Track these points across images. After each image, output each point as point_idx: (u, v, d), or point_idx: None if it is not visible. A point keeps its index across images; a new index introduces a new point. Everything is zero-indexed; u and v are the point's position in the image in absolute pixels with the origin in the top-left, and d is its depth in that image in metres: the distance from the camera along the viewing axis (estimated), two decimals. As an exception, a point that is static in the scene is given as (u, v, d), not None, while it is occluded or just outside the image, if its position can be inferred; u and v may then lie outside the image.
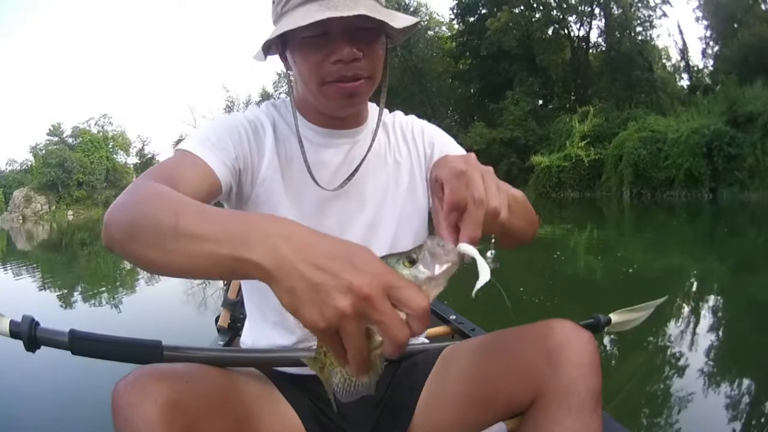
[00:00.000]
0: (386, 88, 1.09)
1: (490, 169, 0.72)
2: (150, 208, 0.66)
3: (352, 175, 1.07)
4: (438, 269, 0.57)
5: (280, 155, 1.06)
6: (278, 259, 0.52)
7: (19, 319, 0.90)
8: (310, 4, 0.91)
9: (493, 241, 0.64)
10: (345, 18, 0.87)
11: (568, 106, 29.95)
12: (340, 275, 0.50)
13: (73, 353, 0.90)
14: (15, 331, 0.89)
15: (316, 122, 1.09)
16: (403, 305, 0.51)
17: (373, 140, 1.10)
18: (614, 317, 1.27)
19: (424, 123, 1.22)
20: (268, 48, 1.03)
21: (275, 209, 1.05)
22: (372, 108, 1.17)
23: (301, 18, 0.89)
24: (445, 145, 1.18)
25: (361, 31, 0.93)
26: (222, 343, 1.68)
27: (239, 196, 1.04)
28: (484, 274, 0.59)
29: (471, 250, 0.61)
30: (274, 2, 0.99)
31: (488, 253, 0.63)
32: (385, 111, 1.20)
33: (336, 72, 0.94)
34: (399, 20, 0.95)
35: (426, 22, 36.13)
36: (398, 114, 1.22)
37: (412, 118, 1.24)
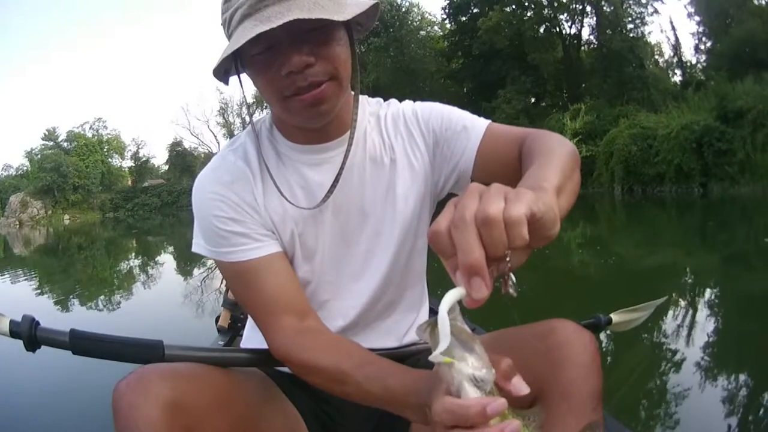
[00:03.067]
0: (359, 83, 1.03)
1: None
2: (324, 387, 0.90)
3: (333, 187, 1.01)
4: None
5: (268, 192, 1.03)
6: (419, 417, 0.72)
7: (18, 318, 0.89)
8: (247, 21, 0.85)
9: (508, 260, 0.51)
10: (288, 24, 0.80)
11: (560, 103, 30.05)
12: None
13: (73, 353, 0.89)
14: (15, 331, 0.88)
15: (298, 140, 1.05)
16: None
17: (349, 147, 1.02)
18: (615, 317, 1.26)
19: (417, 105, 1.12)
20: (225, 72, 0.98)
21: (287, 236, 1.03)
22: (361, 102, 1.09)
23: (236, 40, 0.84)
24: (446, 120, 1.07)
25: (312, 32, 0.87)
26: (222, 343, 1.67)
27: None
28: (444, 339, 0.48)
29: (443, 305, 0.50)
30: (222, 25, 0.93)
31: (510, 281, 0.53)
32: (379, 100, 1.15)
33: (291, 84, 0.88)
34: (348, 11, 0.88)
35: (418, 22, 36.24)
36: (392, 104, 1.14)
37: (405, 105, 1.14)
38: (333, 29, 0.89)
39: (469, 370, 0.51)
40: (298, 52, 0.86)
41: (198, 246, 1.02)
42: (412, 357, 1.09)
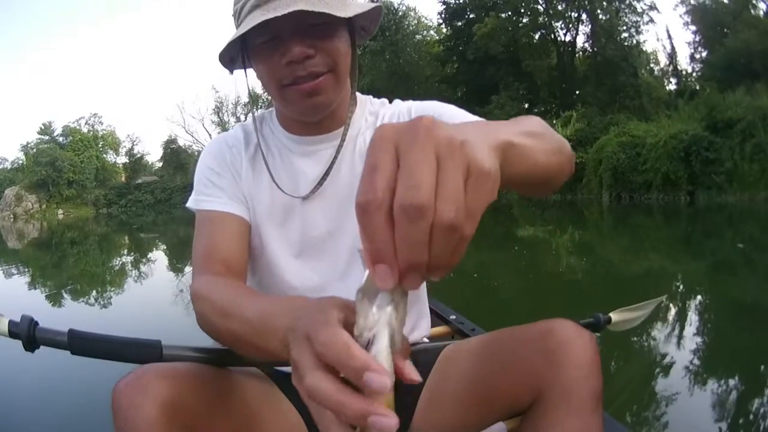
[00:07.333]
0: (356, 82, 1.07)
1: (454, 136, 0.41)
2: (212, 326, 0.83)
3: (323, 179, 1.05)
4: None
5: (256, 171, 1.07)
6: (278, 347, 0.60)
7: (17, 318, 0.89)
8: (256, 11, 0.90)
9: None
10: (292, 17, 0.86)
11: (553, 110, 30.22)
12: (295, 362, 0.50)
13: (72, 353, 0.88)
14: (14, 331, 0.87)
15: (294, 131, 1.09)
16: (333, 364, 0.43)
17: (342, 142, 1.05)
18: (614, 316, 1.26)
19: (414, 104, 1.14)
20: (231, 61, 1.03)
21: (263, 223, 1.07)
22: (361, 101, 1.13)
23: (243, 27, 0.90)
24: (437, 116, 0.85)
25: (315, 27, 0.91)
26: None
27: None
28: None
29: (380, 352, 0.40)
30: (233, 16, 0.99)
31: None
32: (383, 101, 1.17)
33: (290, 73, 0.93)
34: (350, 9, 0.92)
35: (414, 26, 36.42)
36: (394, 104, 1.16)
37: (406, 103, 1.15)
38: (335, 26, 0.94)
39: (393, 323, 0.41)
40: (300, 43, 0.90)
41: (190, 200, 1.07)
42: (411, 356, 1.02)
